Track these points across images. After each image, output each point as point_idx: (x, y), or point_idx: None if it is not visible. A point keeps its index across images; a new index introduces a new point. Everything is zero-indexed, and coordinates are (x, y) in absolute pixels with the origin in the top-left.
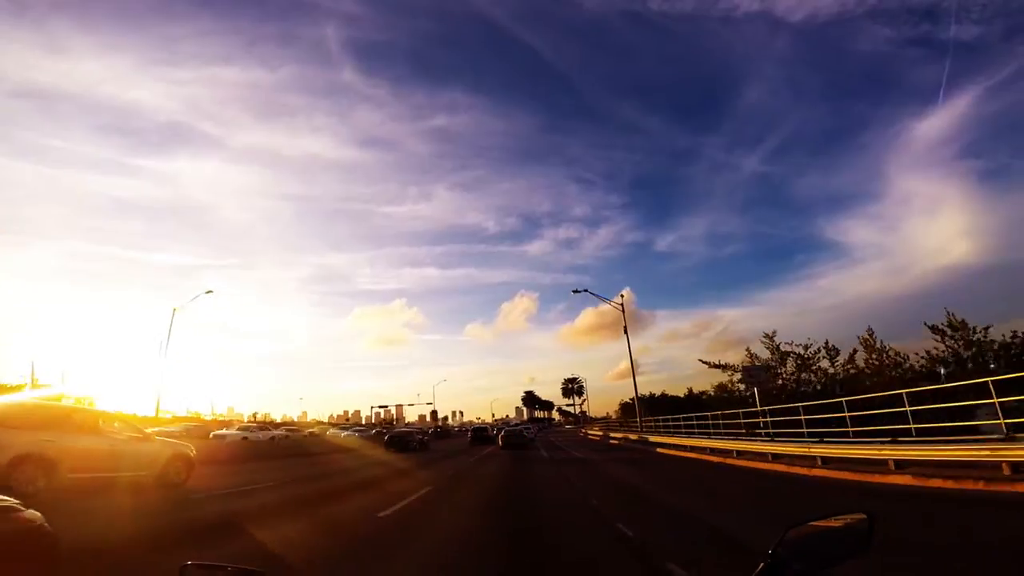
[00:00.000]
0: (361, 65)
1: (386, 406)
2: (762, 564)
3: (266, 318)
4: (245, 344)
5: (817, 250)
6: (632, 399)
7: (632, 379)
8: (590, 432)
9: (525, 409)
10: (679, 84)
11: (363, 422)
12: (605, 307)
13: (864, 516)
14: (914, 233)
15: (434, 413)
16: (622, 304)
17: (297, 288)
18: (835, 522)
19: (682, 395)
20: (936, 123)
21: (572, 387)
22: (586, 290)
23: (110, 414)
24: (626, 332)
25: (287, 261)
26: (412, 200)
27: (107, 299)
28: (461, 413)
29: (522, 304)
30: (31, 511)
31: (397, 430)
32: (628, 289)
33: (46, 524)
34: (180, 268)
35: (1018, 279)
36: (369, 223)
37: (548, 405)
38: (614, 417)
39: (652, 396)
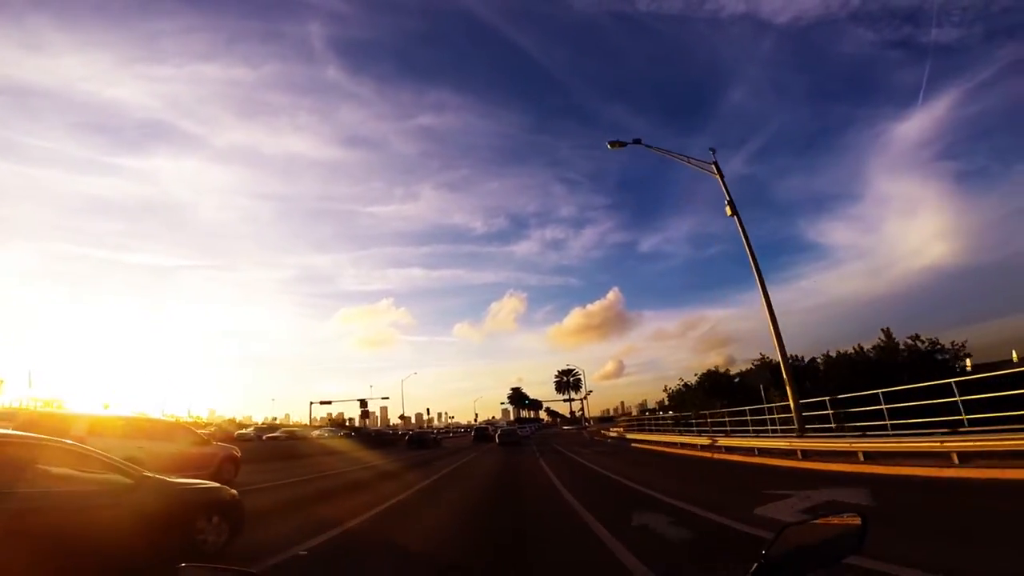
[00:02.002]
0: (346, 63)
1: (329, 401)
2: (756, 564)
3: (246, 319)
4: (224, 346)
5: (798, 251)
6: (702, 377)
7: (769, 315)
8: (644, 441)
9: (512, 408)
10: (665, 85)
11: (347, 424)
12: (592, 307)
13: (858, 517)
14: (893, 234)
15: (365, 407)
16: (715, 163)
17: (279, 289)
18: (829, 522)
19: (851, 351)
20: (915, 125)
21: (567, 380)
22: (637, 141)
23: (179, 423)
24: (736, 213)
25: (269, 262)
26: (398, 200)
27: (82, 300)
28: (438, 414)
29: (510, 304)
30: (231, 488)
31: (417, 432)
32: (616, 289)
33: (238, 496)
34: (158, 269)
35: (993, 280)
36: (354, 223)
37: (536, 404)
38: (634, 413)
39: (801, 360)
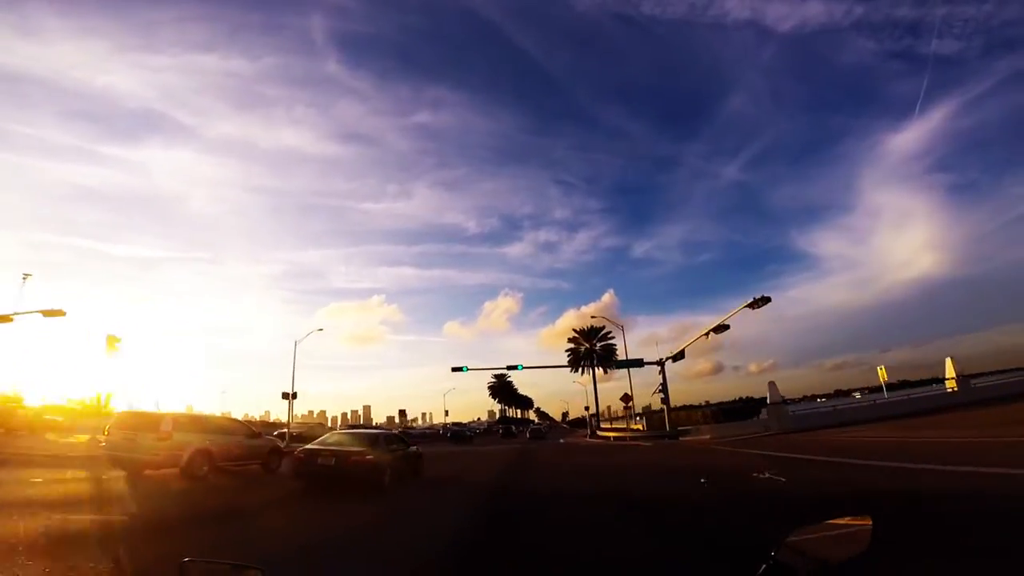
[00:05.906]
0: (346, 57)
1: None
2: (763, 566)
3: (232, 313)
4: (207, 339)
5: (788, 260)
6: None
7: None
8: None
9: (499, 408)
10: (665, 90)
11: (329, 423)
12: (586, 309)
13: (867, 518)
14: (882, 246)
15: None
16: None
17: (268, 284)
18: (837, 523)
19: None
20: (911, 136)
21: (591, 349)
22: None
23: (236, 420)
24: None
25: (258, 257)
26: (391, 197)
27: (66, 291)
28: (423, 414)
29: (504, 304)
30: (415, 447)
31: (456, 428)
32: (611, 291)
33: (421, 451)
34: (145, 260)
35: (980, 293)
36: (346, 220)
37: (527, 402)
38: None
39: None
